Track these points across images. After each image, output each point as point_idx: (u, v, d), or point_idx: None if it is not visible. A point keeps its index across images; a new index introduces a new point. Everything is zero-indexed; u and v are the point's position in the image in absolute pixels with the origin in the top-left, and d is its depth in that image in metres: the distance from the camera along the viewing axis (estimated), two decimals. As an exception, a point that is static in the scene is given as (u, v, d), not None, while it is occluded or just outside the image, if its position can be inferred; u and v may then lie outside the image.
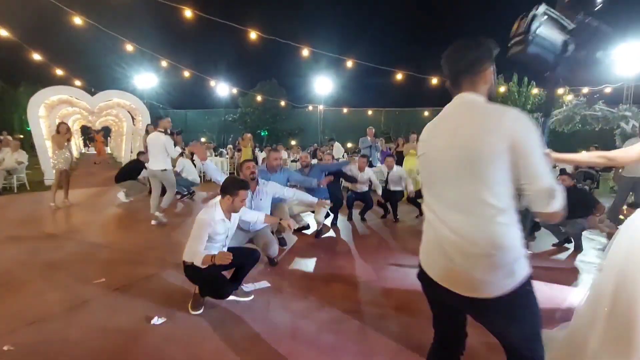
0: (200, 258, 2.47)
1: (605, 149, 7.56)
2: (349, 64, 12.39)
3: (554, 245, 5.14)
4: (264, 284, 3.20)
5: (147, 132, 9.54)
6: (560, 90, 17.45)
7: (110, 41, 11.71)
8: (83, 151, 23.79)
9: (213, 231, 2.63)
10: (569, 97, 14.95)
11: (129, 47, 11.23)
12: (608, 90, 13.42)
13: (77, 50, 25.57)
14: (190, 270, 2.63)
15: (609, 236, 5.48)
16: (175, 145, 5.76)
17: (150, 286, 3.10)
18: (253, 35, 10.50)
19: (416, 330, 2.52)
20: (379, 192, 6.15)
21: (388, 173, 6.18)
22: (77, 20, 9.77)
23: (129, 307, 2.71)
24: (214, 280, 2.63)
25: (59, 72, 14.34)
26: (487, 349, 2.10)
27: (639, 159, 2.02)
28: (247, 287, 3.07)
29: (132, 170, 7.49)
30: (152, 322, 2.45)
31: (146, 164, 6.05)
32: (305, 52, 11.52)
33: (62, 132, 6.33)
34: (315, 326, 2.54)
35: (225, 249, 2.78)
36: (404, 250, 4.47)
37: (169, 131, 5.81)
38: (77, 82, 15.22)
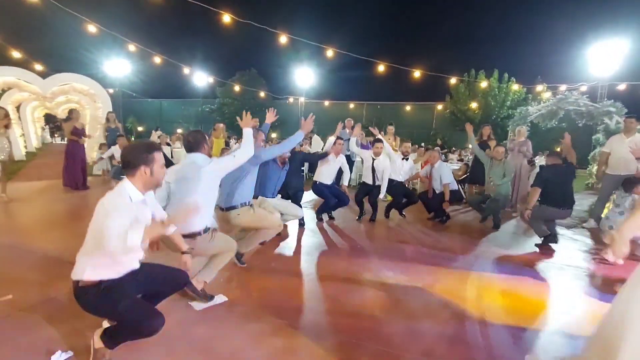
0: (141, 236, 1.68)
1: (583, 145, 7.46)
2: (331, 54, 11.85)
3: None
4: (221, 298, 2.69)
5: (108, 121, 8.79)
6: (539, 87, 17.67)
7: (78, 23, 10.75)
8: (48, 141, 22.24)
9: (135, 218, 1.79)
10: (547, 94, 15.02)
11: (98, 30, 10.34)
12: (584, 88, 13.56)
13: (37, 31, 23.79)
14: (94, 295, 1.76)
15: (593, 235, 5.28)
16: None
17: (66, 307, 2.51)
18: (227, 18, 9.81)
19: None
20: (346, 181, 5.52)
21: (373, 162, 5.52)
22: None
23: (29, 337, 2.14)
24: (138, 306, 1.79)
25: (16, 54, 13.20)
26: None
27: None
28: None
29: None
30: (52, 358, 1.91)
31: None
32: (284, 39, 10.92)
33: (-4, 117, 5.54)
34: (264, 358, 2.06)
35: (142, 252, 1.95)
36: (381, 260, 4.07)
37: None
38: (38, 67, 14.08)
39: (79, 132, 7.16)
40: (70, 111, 7.38)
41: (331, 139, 5.31)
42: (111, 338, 1.87)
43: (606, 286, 3.42)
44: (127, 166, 1.87)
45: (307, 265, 3.67)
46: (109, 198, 1.80)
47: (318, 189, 5.20)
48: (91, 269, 1.79)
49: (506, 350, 2.25)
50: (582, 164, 10.22)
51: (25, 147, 12.33)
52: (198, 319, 2.44)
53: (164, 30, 32.37)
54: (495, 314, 2.74)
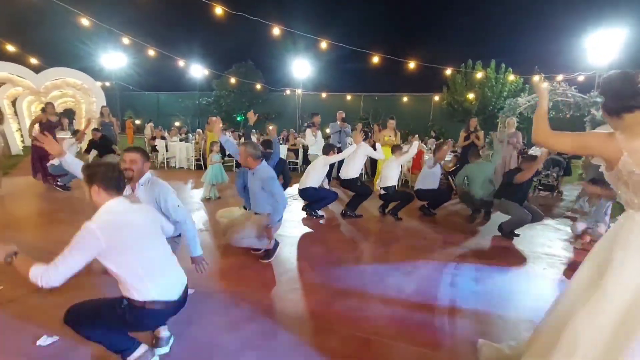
0: None
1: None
2: (328, 45, 11.87)
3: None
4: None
5: (102, 115, 8.85)
6: (535, 78, 17.63)
7: (73, 17, 10.75)
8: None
9: None
10: (544, 85, 14.99)
11: (93, 23, 10.34)
12: (581, 78, 13.54)
13: (33, 24, 23.70)
14: None
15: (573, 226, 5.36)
16: None
17: (56, 295, 2.63)
18: (219, 10, 9.83)
19: (356, 345, 2.22)
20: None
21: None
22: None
23: (17, 324, 2.27)
24: None
25: (10, 48, 13.18)
26: None
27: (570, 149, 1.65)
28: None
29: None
30: (38, 343, 2.04)
31: None
32: (279, 31, 10.95)
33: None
34: (238, 342, 2.19)
35: None
36: (360, 250, 4.19)
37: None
38: (33, 60, 14.08)
39: (52, 125, 6.91)
40: (46, 104, 7.33)
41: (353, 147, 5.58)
42: None
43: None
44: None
45: (283, 255, 3.79)
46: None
47: (308, 193, 5.24)
48: None
49: (470, 335, 2.37)
50: (573, 155, 10.27)
51: (23, 141, 12.41)
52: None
53: (159, 23, 32.06)
54: (467, 301, 2.87)
